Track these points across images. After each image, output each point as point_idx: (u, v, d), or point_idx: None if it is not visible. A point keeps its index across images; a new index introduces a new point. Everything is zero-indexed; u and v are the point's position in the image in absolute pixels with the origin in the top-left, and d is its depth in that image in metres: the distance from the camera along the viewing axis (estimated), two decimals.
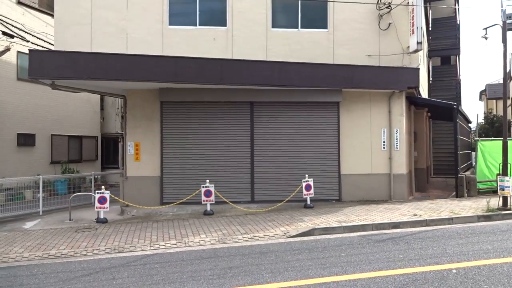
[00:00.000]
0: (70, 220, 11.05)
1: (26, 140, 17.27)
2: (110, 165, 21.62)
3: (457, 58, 24.43)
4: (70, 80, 10.91)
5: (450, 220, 9.49)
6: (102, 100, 21.68)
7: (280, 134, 12.52)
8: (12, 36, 15.92)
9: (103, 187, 11.07)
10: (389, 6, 12.73)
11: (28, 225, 10.73)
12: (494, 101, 36.45)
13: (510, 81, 27.03)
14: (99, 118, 21.46)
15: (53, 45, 16.60)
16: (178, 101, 12.20)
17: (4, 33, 15.60)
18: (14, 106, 16.78)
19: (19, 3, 17.15)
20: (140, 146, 12.15)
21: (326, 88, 12.18)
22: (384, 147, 12.75)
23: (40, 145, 17.87)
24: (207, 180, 11.47)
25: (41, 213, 12.31)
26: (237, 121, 12.42)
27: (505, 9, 15.86)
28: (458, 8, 23.32)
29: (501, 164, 11.63)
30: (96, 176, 15.32)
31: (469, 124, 25.22)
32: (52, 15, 17.80)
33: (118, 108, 21.41)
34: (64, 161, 18.52)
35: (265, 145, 12.45)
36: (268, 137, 12.49)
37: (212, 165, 12.27)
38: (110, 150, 22.01)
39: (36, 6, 17.94)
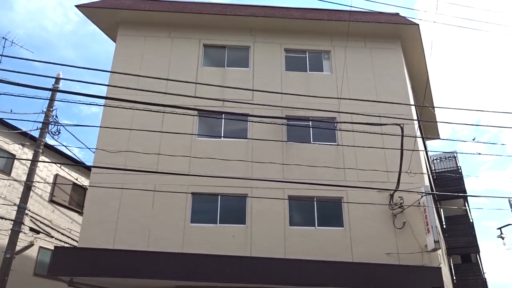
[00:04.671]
0: None
1: None
2: None
3: (478, 256, 23.89)
4: (89, 278, 10.88)
5: None
6: None
7: None
8: (38, 232, 16.53)
9: None
10: (401, 206, 13.23)
11: None
12: None
13: None
14: None
15: (74, 240, 17.13)
16: None
17: (31, 229, 16.25)
18: None
19: (51, 201, 18.35)
20: None
21: None
22: None
23: None
24: None
25: None
26: None
27: None
28: (469, 208, 23.90)
29: None
30: None
31: None
32: (79, 212, 18.92)
33: None
34: None
35: None
36: None
37: None
38: None
39: (66, 204, 19.09)
